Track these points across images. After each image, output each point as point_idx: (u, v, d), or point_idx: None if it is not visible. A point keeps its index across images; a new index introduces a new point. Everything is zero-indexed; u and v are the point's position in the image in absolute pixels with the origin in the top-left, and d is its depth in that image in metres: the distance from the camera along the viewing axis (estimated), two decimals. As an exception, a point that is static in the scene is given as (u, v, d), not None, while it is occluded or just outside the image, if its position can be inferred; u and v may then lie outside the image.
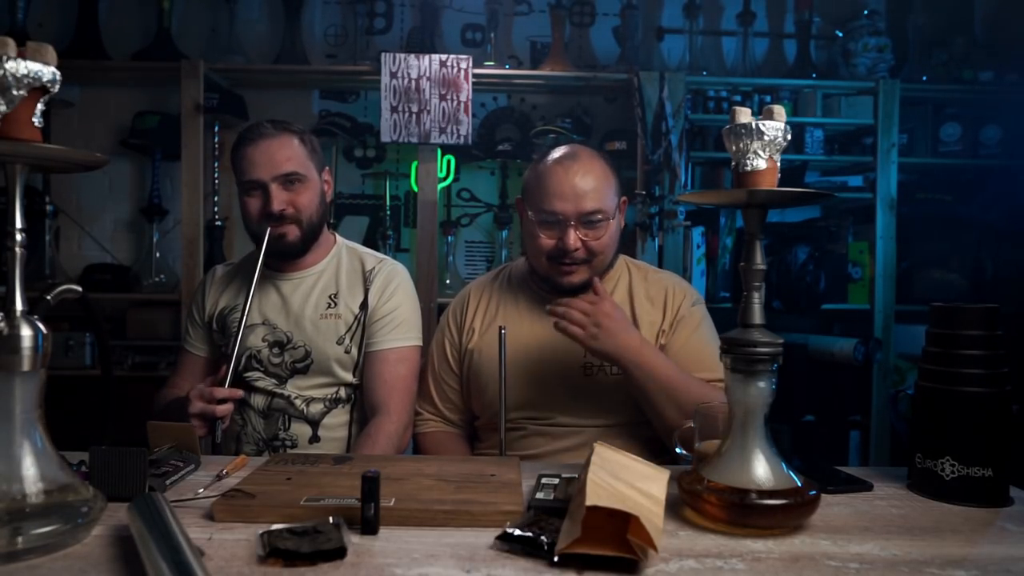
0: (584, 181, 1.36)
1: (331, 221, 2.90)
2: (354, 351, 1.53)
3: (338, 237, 1.65)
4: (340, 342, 1.52)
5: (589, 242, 1.38)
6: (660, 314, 1.45)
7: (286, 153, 1.46)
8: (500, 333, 1.33)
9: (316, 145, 1.55)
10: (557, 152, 1.43)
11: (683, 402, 1.26)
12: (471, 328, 1.51)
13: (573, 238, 1.36)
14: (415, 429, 1.56)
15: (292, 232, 1.48)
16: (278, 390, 1.52)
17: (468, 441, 1.56)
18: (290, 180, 1.47)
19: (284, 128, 1.49)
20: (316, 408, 1.52)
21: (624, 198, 1.47)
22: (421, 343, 1.59)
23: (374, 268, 1.57)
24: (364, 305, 1.54)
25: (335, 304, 1.54)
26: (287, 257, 1.53)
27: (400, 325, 1.54)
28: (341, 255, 1.60)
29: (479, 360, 1.48)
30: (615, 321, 1.29)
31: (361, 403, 1.55)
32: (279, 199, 1.45)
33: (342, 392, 1.54)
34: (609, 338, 1.28)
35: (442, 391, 1.54)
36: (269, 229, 1.46)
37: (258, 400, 1.53)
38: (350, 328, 1.53)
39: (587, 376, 1.42)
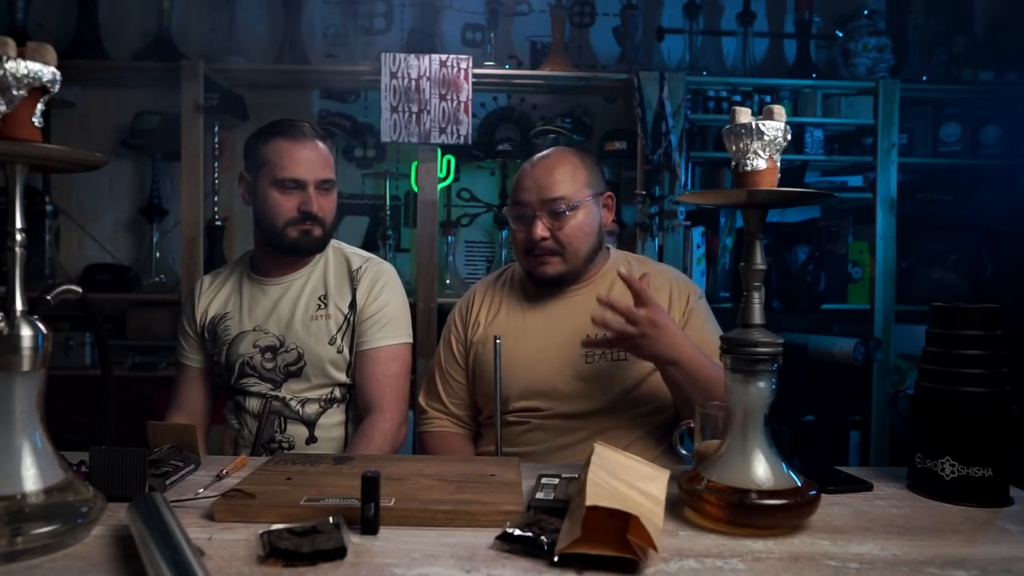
0: (547, 173, 1.44)
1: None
2: (346, 351, 1.53)
3: None
4: (332, 342, 1.52)
5: (555, 232, 1.42)
6: (667, 303, 1.48)
7: (325, 158, 1.53)
8: (495, 343, 1.35)
9: (334, 153, 1.63)
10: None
11: (711, 389, 1.26)
12: (476, 322, 1.54)
13: (539, 228, 1.42)
14: (422, 427, 1.56)
15: (317, 231, 1.53)
16: (273, 393, 1.52)
17: (473, 443, 1.57)
18: (326, 186, 1.53)
19: (319, 133, 1.55)
20: (311, 409, 1.52)
21: (608, 193, 1.51)
22: (411, 340, 1.60)
23: (361, 267, 1.58)
24: (353, 305, 1.54)
25: (325, 305, 1.54)
26: (310, 253, 1.56)
27: (389, 323, 1.55)
28: (328, 256, 1.60)
29: (483, 351, 1.50)
30: (659, 329, 1.25)
31: (356, 402, 1.55)
32: (318, 202, 1.51)
33: (337, 392, 1.55)
34: (652, 345, 1.25)
35: (449, 386, 1.55)
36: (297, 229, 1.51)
37: (253, 404, 1.53)
38: (340, 328, 1.53)
39: (588, 363, 1.44)
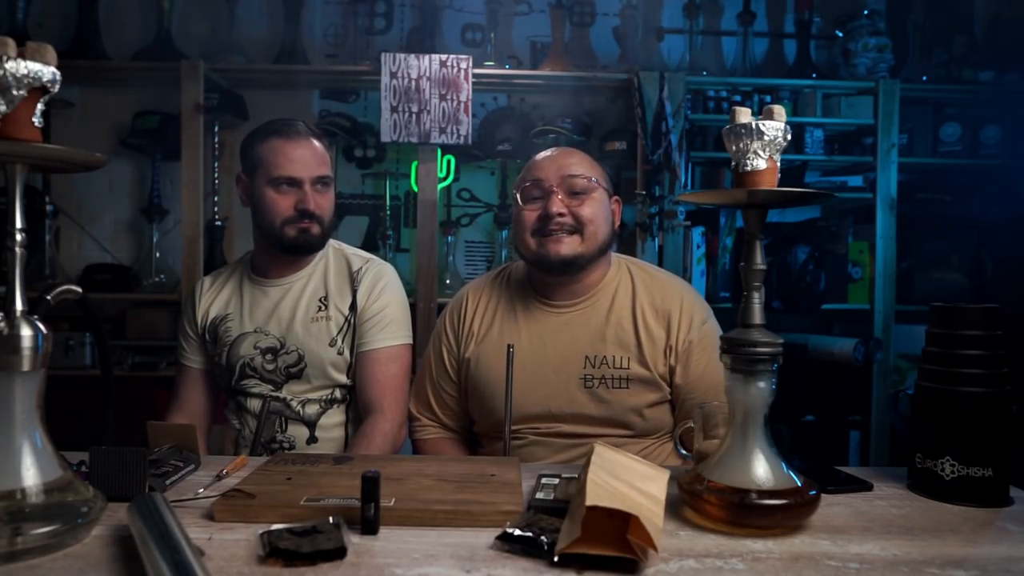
0: (566, 155, 1.42)
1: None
2: (346, 352, 1.53)
3: None
4: (332, 344, 1.52)
5: (574, 209, 1.37)
6: (664, 331, 1.39)
7: (320, 156, 1.52)
8: (508, 352, 1.29)
9: (331, 151, 1.62)
10: None
11: None
12: (469, 334, 1.49)
13: (556, 202, 1.36)
14: (414, 435, 1.56)
15: (315, 229, 1.52)
16: (274, 394, 1.52)
17: (467, 447, 1.56)
18: (323, 183, 1.52)
19: (314, 132, 1.54)
20: (312, 409, 1.52)
21: (616, 198, 1.47)
22: (411, 341, 1.59)
23: (361, 268, 1.57)
24: (353, 306, 1.54)
25: (325, 307, 1.54)
26: (309, 251, 1.55)
27: (389, 324, 1.55)
28: (328, 257, 1.60)
29: (477, 369, 1.45)
30: None
31: (356, 402, 1.55)
32: (314, 199, 1.50)
33: (337, 393, 1.54)
34: None
35: (440, 398, 1.52)
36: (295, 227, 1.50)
37: (254, 405, 1.53)
38: (341, 330, 1.53)
39: (587, 388, 1.39)
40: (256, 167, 1.51)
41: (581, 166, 1.40)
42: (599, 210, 1.39)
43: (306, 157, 1.49)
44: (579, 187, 1.37)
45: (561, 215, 1.36)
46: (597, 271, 1.44)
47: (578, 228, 1.37)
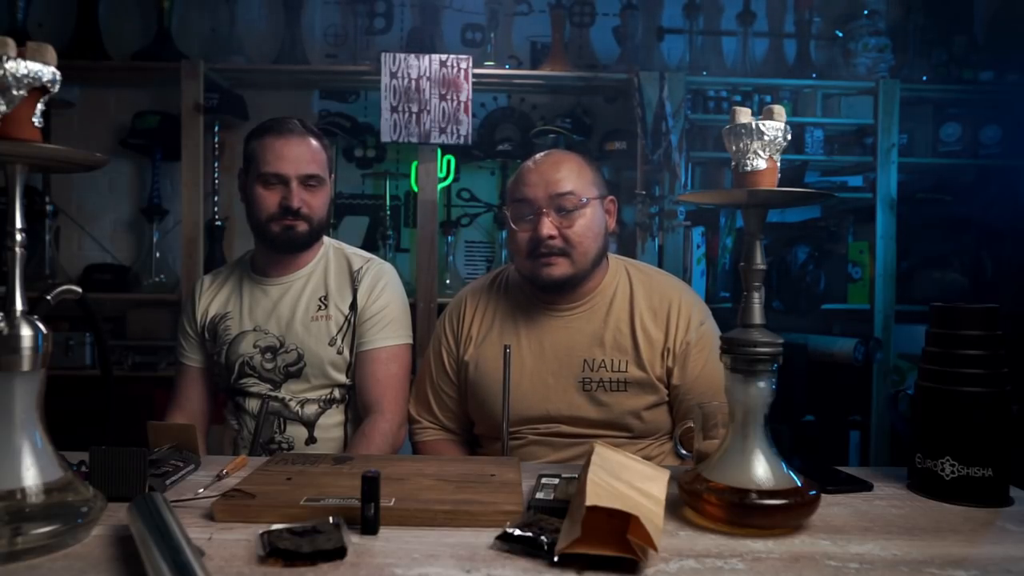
0: (554, 169, 1.38)
1: (331, 221, 2.90)
2: (346, 352, 1.53)
3: (325, 238, 1.64)
4: (332, 343, 1.52)
5: (563, 230, 1.35)
6: (663, 332, 1.40)
7: (311, 154, 1.51)
8: (505, 352, 1.30)
9: (330, 152, 1.61)
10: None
11: None
12: (468, 337, 1.49)
13: (546, 225, 1.34)
14: (414, 437, 1.56)
15: (301, 227, 1.51)
16: (272, 393, 1.52)
17: (468, 447, 1.56)
18: (312, 181, 1.51)
19: (310, 130, 1.54)
20: (311, 409, 1.52)
21: (611, 197, 1.45)
22: (412, 341, 1.59)
23: (361, 268, 1.57)
24: (353, 305, 1.54)
25: (325, 306, 1.54)
26: (294, 249, 1.54)
27: (390, 324, 1.55)
28: (329, 256, 1.60)
29: (476, 372, 1.46)
30: None
31: (355, 402, 1.55)
32: (299, 196, 1.49)
33: (336, 393, 1.54)
34: None
35: (440, 400, 1.52)
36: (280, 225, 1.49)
37: (252, 405, 1.52)
38: (341, 329, 1.53)
39: (585, 391, 1.39)
40: (250, 163, 1.52)
41: (571, 180, 1.36)
42: (590, 226, 1.37)
43: (295, 154, 1.48)
44: (569, 205, 1.36)
45: (551, 238, 1.34)
46: (594, 277, 1.44)
47: (568, 250, 1.36)
